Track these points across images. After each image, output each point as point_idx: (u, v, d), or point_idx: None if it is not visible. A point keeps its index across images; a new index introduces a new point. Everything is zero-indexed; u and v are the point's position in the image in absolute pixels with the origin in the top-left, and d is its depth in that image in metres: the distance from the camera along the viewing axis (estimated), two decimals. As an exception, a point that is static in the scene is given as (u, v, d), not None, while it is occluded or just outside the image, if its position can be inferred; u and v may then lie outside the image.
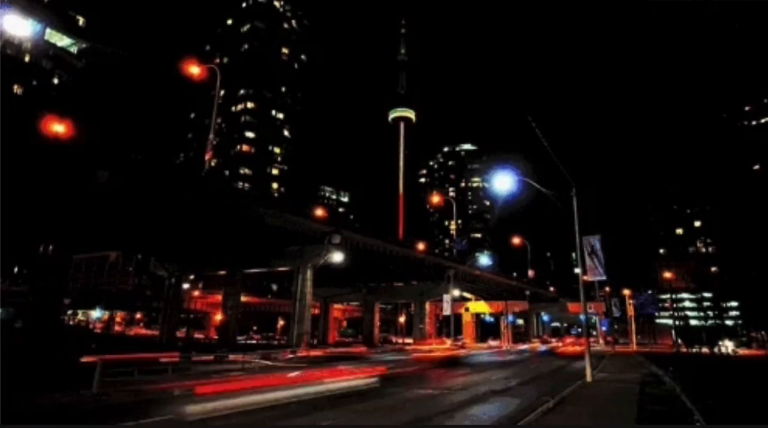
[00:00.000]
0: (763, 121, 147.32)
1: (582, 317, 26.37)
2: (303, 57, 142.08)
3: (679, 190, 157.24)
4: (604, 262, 21.79)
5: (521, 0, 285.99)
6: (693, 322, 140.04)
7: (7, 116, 21.14)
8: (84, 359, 17.00)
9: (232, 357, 28.00)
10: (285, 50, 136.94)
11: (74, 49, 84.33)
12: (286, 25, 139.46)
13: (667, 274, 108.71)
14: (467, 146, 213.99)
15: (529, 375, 25.06)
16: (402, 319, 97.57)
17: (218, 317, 55.67)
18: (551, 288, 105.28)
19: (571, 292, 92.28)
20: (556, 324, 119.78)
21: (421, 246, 58.28)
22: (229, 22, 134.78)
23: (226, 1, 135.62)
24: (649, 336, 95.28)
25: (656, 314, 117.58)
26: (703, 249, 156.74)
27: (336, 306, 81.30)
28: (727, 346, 76.49)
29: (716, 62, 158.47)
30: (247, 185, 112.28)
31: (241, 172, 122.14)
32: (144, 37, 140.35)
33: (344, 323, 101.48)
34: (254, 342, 64.60)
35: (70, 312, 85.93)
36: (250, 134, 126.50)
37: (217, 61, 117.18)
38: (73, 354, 18.75)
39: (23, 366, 20.53)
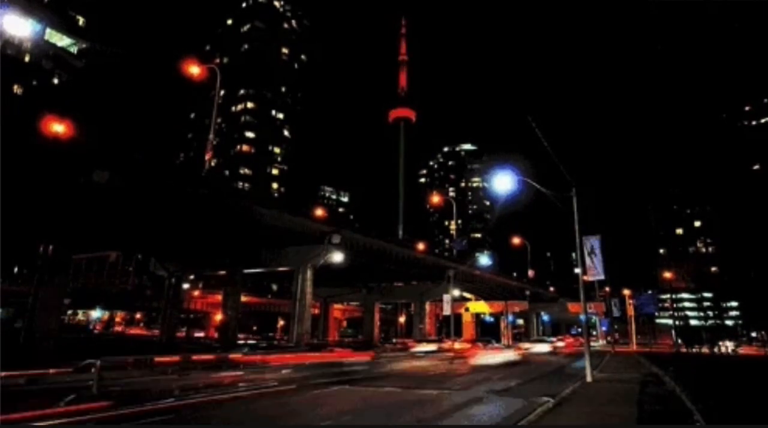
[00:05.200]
0: (763, 121, 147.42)
1: (582, 317, 26.38)
2: (303, 57, 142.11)
3: (679, 190, 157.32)
4: (603, 262, 21.80)
5: (522, 0, 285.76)
6: (693, 322, 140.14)
7: (7, 116, 21.14)
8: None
9: (232, 356, 27.88)
10: (285, 50, 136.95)
11: (74, 49, 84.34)
12: (286, 25, 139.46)
13: (667, 274, 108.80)
14: (467, 146, 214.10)
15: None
16: (402, 319, 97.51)
17: (218, 317, 55.69)
18: (551, 288, 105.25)
19: (571, 292, 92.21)
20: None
21: (421, 246, 58.26)
22: (229, 22, 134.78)
23: (226, 1, 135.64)
24: (649, 336, 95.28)
25: (656, 314, 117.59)
26: (703, 249, 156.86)
27: (336, 306, 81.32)
28: (727, 346, 76.39)
29: (716, 62, 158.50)
30: (247, 185, 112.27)
31: (241, 172, 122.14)
32: (144, 37, 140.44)
33: (344, 323, 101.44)
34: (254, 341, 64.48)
35: (70, 312, 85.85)
36: (250, 134, 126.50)
37: (217, 61, 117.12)
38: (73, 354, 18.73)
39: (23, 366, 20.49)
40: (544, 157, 20.76)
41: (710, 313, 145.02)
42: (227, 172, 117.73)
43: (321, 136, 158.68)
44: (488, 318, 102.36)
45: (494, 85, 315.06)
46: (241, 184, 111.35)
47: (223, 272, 48.98)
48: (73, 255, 41.55)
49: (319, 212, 41.90)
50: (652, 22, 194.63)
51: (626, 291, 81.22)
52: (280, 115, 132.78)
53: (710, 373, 26.71)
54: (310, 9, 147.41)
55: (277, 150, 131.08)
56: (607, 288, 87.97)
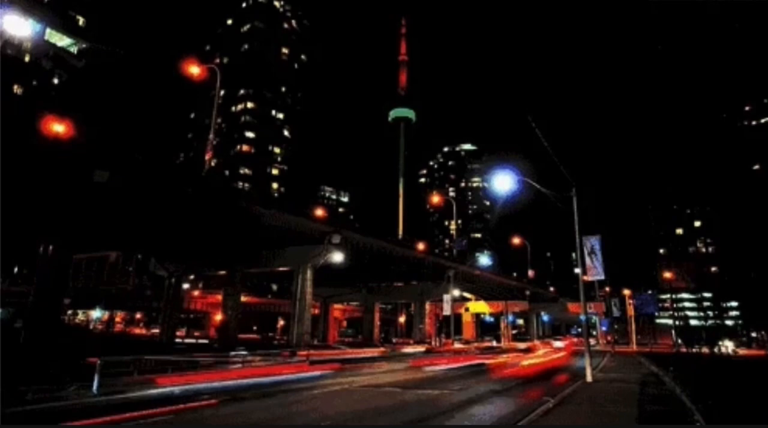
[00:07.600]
0: (763, 121, 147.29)
1: (582, 317, 26.38)
2: (303, 57, 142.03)
3: (679, 190, 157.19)
4: (603, 262, 21.80)
5: (522, 0, 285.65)
6: (693, 322, 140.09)
7: (7, 116, 21.14)
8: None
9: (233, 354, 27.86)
10: (285, 50, 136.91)
11: (74, 49, 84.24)
12: (286, 25, 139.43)
13: (667, 274, 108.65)
14: (467, 146, 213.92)
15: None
16: (402, 319, 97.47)
17: (218, 317, 55.62)
18: (551, 288, 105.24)
19: (571, 292, 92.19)
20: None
21: (421, 246, 58.23)
22: (229, 22, 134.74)
23: (226, 1, 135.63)
24: (649, 336, 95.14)
25: (656, 314, 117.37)
26: (703, 249, 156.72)
27: (336, 306, 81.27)
28: (727, 346, 76.41)
29: (716, 62, 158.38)
30: (247, 185, 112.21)
31: (241, 172, 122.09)
32: (144, 37, 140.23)
33: (344, 323, 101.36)
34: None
35: (70, 312, 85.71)
36: (250, 134, 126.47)
37: (217, 61, 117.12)
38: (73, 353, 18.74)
39: (23, 365, 20.49)
40: (544, 157, 20.81)
41: (710, 313, 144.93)
42: (227, 172, 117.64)
43: (321, 136, 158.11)
44: (488, 318, 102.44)
45: (494, 84, 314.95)
46: (241, 184, 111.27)
47: (223, 272, 48.98)
48: (73, 255, 41.48)
49: (319, 212, 41.88)
50: (652, 22, 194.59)
51: (626, 291, 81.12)
52: (280, 115, 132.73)
53: (710, 373, 26.72)
54: (310, 9, 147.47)
55: (277, 150, 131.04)
56: (607, 288, 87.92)
